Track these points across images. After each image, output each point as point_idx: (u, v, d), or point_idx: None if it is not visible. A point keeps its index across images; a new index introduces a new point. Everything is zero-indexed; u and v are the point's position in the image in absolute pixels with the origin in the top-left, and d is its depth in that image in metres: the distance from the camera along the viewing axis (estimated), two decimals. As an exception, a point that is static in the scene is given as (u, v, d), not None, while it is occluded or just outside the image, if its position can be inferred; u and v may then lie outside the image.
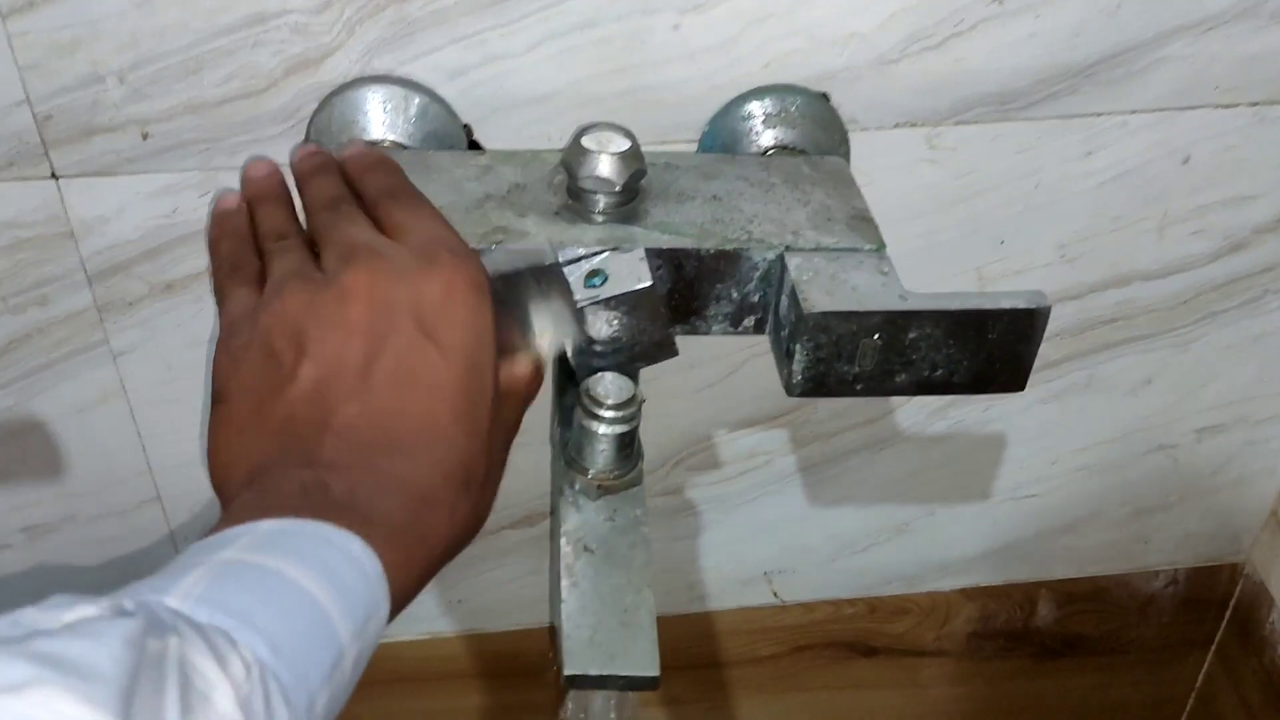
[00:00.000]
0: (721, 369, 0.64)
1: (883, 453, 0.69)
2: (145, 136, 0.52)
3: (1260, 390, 0.71)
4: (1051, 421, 0.70)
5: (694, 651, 0.78)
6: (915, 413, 0.68)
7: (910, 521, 0.74)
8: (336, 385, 0.38)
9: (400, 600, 0.35)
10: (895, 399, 0.67)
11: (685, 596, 0.75)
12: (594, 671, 0.40)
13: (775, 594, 0.76)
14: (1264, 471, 0.75)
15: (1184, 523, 0.77)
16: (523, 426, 0.64)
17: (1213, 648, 0.84)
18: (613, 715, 0.46)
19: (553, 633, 0.43)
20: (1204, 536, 0.78)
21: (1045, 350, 0.65)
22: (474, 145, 0.54)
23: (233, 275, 0.43)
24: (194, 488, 0.65)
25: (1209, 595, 0.81)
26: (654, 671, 0.40)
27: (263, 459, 0.38)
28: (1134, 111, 0.58)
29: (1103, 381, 0.69)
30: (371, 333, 0.38)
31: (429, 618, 0.73)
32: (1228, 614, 0.82)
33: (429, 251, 0.40)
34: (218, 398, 0.40)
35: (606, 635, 0.41)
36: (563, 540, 0.44)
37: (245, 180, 0.49)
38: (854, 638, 0.79)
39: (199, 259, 0.56)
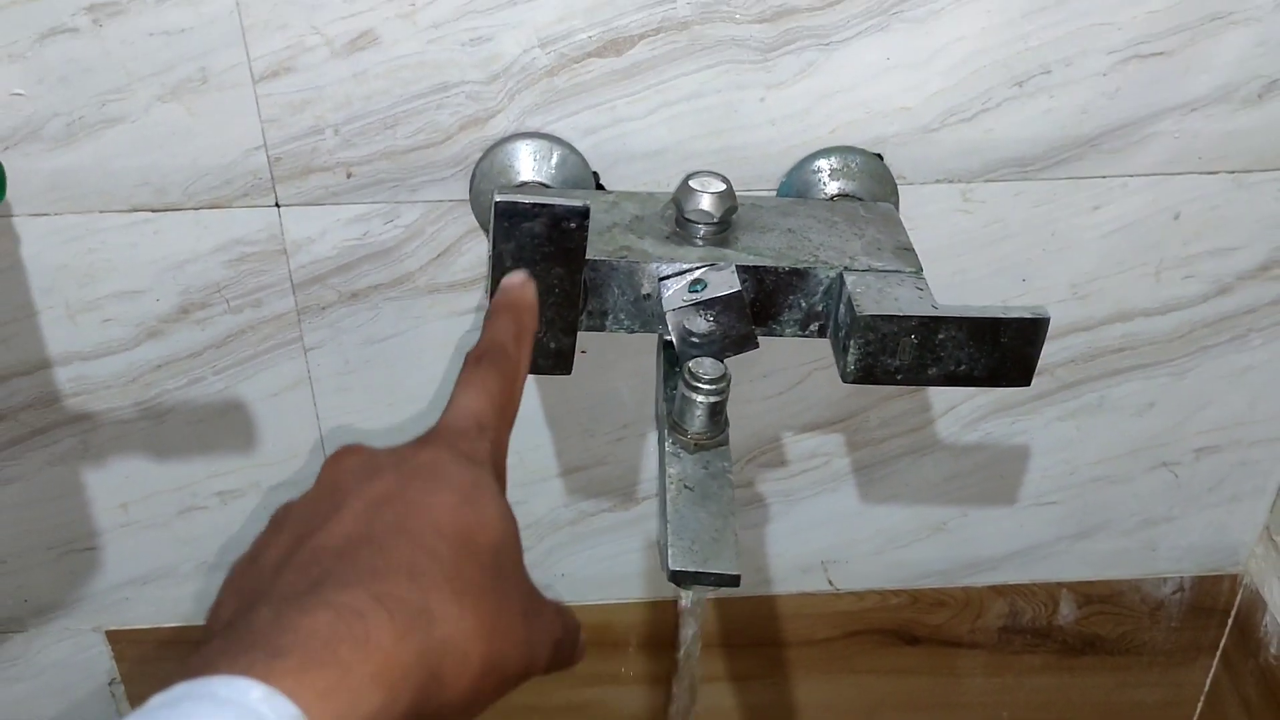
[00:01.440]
0: (789, 379, 0.78)
1: (924, 458, 0.82)
2: (349, 175, 0.67)
3: (1250, 417, 0.82)
4: (1069, 437, 0.82)
5: (758, 631, 0.90)
6: (952, 424, 0.81)
7: (947, 521, 0.86)
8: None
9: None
10: (935, 410, 0.80)
11: (752, 580, 0.87)
12: (691, 569, 0.53)
13: (831, 582, 0.88)
14: (1256, 490, 0.86)
15: (1187, 534, 0.88)
16: (624, 424, 0.79)
17: (1218, 653, 0.95)
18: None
19: (660, 548, 0.56)
20: (1206, 548, 0.89)
21: (1062, 373, 0.79)
22: (600, 188, 0.69)
23: None
24: (356, 464, 0.79)
25: (1213, 603, 0.92)
26: (737, 571, 0.53)
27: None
28: (1132, 175, 0.70)
29: (1112, 403, 0.81)
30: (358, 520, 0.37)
31: (539, 587, 0.86)
32: (1230, 622, 0.93)
33: (429, 464, 0.39)
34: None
35: (701, 546, 0.54)
36: (668, 480, 0.57)
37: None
38: (898, 626, 0.91)
39: (380, 273, 0.71)
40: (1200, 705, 0.97)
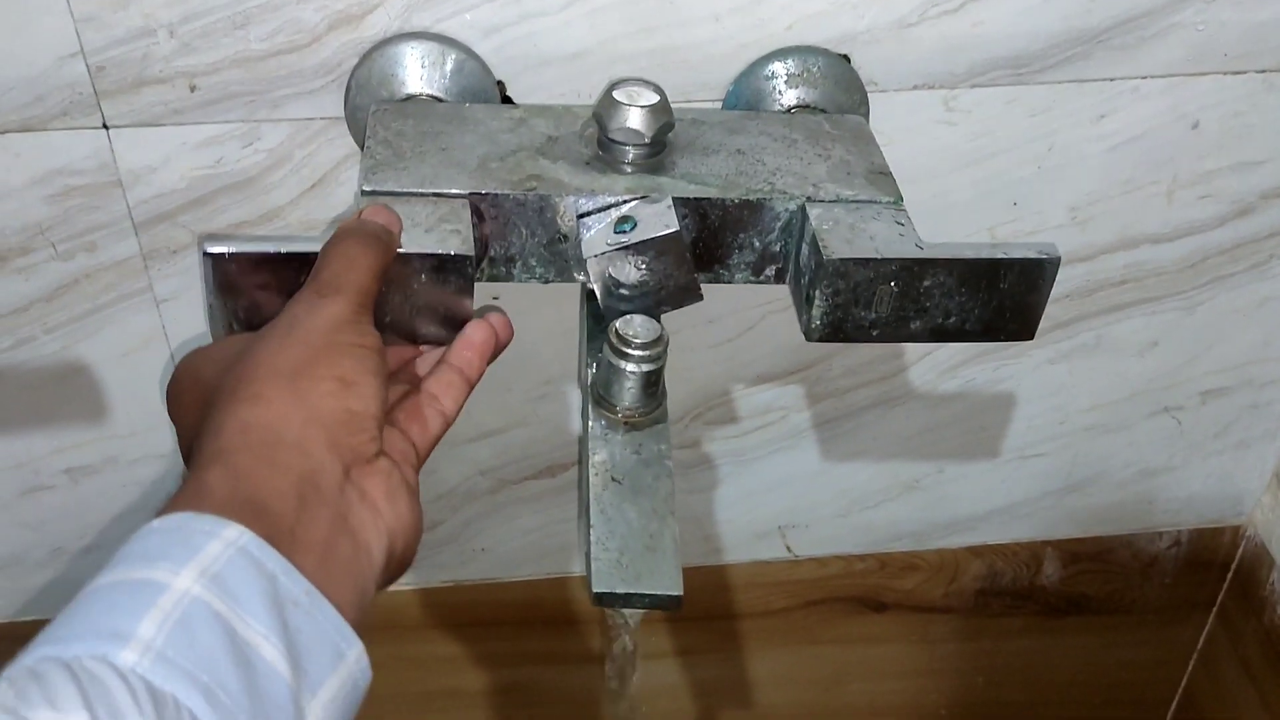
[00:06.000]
0: (739, 324, 0.66)
1: (894, 410, 0.72)
2: (193, 89, 0.54)
3: (1264, 354, 0.73)
4: (1060, 381, 0.72)
5: (709, 603, 0.80)
6: (927, 371, 0.70)
7: (920, 479, 0.76)
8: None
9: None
10: (908, 356, 0.69)
11: (701, 549, 0.77)
12: (620, 590, 0.42)
13: (789, 548, 0.78)
14: (1266, 435, 0.77)
15: (1188, 484, 0.79)
16: (545, 379, 0.67)
17: (1214, 609, 0.86)
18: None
19: (586, 559, 0.45)
20: (1207, 498, 0.80)
21: (1055, 311, 0.68)
22: (507, 101, 0.56)
23: None
24: (230, 433, 0.67)
25: (1211, 557, 0.83)
26: (677, 591, 0.43)
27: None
28: (1146, 77, 0.60)
29: (1111, 342, 0.71)
30: None
31: (452, 565, 0.75)
32: (1229, 576, 0.84)
33: None
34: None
35: (632, 558, 0.43)
36: (591, 472, 0.46)
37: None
38: (865, 593, 0.81)
39: (242, 208, 0.58)
40: (1192, 663, 0.89)
